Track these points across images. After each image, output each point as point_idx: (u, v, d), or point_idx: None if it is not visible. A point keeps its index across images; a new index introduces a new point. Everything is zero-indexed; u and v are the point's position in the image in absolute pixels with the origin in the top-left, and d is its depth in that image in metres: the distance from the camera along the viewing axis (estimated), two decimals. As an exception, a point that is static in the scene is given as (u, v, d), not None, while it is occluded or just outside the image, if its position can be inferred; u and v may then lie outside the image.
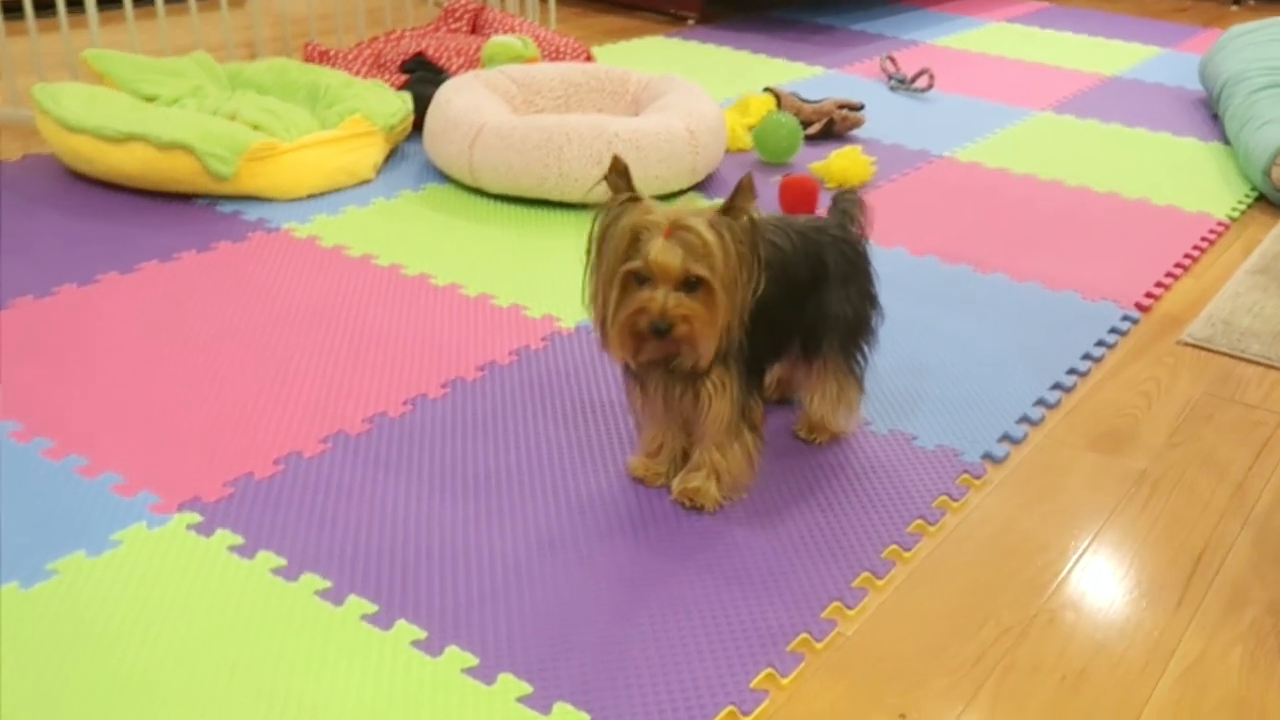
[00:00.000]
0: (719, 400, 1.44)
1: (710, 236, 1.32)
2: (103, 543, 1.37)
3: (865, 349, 1.63)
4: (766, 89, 2.93)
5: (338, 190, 2.39)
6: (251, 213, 2.29)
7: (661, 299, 1.33)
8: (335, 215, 2.30)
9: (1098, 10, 4.75)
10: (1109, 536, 1.53)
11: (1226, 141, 3.05)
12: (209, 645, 1.22)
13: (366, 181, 2.44)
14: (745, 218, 1.35)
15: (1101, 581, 1.44)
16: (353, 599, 1.30)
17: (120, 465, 1.51)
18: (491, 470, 1.56)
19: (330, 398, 1.70)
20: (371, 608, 1.29)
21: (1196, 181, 2.78)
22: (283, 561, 1.36)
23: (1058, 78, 3.64)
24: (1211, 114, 3.30)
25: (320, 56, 2.87)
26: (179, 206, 2.30)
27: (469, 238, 2.24)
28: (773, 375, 1.73)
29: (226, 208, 2.30)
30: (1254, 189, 2.74)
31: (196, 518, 1.42)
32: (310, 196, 2.35)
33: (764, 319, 1.47)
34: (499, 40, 2.82)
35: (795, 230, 1.56)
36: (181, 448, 1.56)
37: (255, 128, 2.34)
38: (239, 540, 1.39)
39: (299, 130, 2.37)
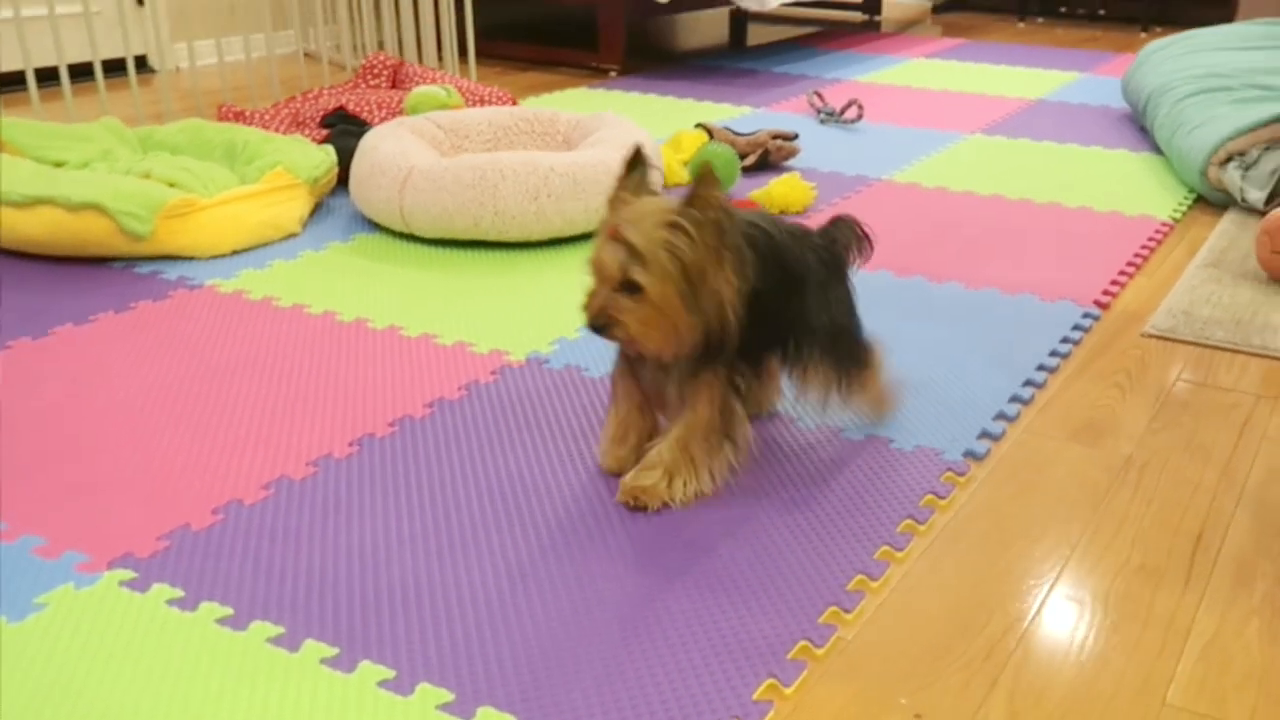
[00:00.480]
0: (704, 405, 1.37)
1: (642, 243, 1.26)
2: (26, 606, 1.23)
3: (854, 346, 1.57)
4: (698, 125, 2.89)
5: (263, 245, 2.29)
6: (171, 272, 2.17)
7: (599, 300, 1.30)
8: (261, 269, 2.19)
9: (1012, 44, 4.82)
10: (1105, 523, 1.46)
11: (1158, 151, 3.07)
12: (152, 701, 1.10)
13: (292, 235, 2.34)
14: (713, 208, 1.28)
15: (1104, 566, 1.37)
16: (310, 643, 1.18)
17: (41, 528, 1.38)
18: (450, 503, 1.45)
19: (270, 444, 1.58)
20: (331, 650, 1.17)
21: (1134, 188, 2.77)
22: (229, 611, 1.23)
23: (983, 104, 3.65)
24: (1139, 127, 3.32)
25: (235, 117, 2.77)
26: (93, 270, 2.17)
27: (404, 282, 2.14)
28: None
29: (144, 269, 2.18)
30: (1191, 191, 2.74)
31: (130, 574, 1.29)
32: (234, 253, 2.24)
33: (758, 309, 1.39)
34: (422, 90, 2.74)
35: (783, 227, 1.49)
36: (109, 506, 1.43)
37: (171, 185, 2.23)
38: (178, 593, 1.26)
39: (218, 186, 2.27)
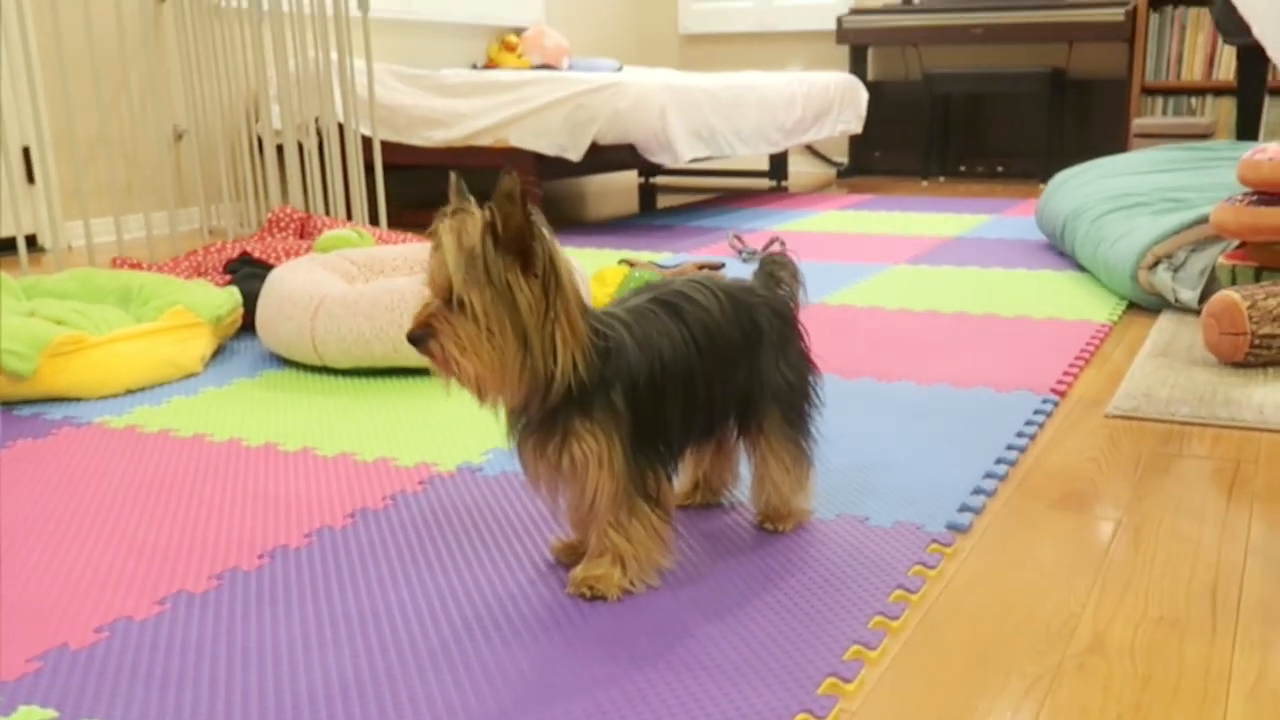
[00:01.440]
0: (596, 470, 1.22)
1: (452, 252, 1.14)
2: None
3: (809, 421, 1.43)
4: (622, 261, 2.81)
5: (160, 385, 2.11)
6: (55, 412, 1.97)
7: (426, 310, 1.18)
8: (158, 406, 2.00)
9: (919, 198, 4.90)
10: (1112, 581, 1.31)
11: (1081, 270, 3.06)
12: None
13: (193, 375, 2.16)
14: (477, 220, 1.14)
15: (1121, 620, 1.22)
16: (211, 754, 0.98)
17: (-113, 660, 1.16)
18: (379, 604, 1.26)
19: (166, 561, 1.38)
20: (237, 760, 0.97)
21: (1067, 299, 2.73)
22: (111, 728, 1.03)
23: (903, 242, 3.65)
24: (1058, 252, 3.33)
25: (131, 267, 2.61)
26: (-34, 417, 1.97)
27: (317, 409, 1.97)
28: (693, 473, 1.51)
29: (25, 411, 1.98)
30: (1123, 299, 2.71)
31: (-8, 698, 1.08)
32: (127, 393, 2.06)
33: (678, 387, 1.28)
34: (332, 234, 2.63)
35: (722, 291, 1.36)
36: (-29, 633, 1.22)
37: (59, 324, 2.05)
38: (50, 714, 1.05)
39: (109, 326, 2.09)
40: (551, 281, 1.16)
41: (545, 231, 1.15)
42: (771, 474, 1.41)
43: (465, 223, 1.15)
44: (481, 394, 1.19)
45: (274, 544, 1.42)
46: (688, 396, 1.30)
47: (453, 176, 1.20)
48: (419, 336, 1.17)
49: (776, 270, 1.48)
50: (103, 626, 1.22)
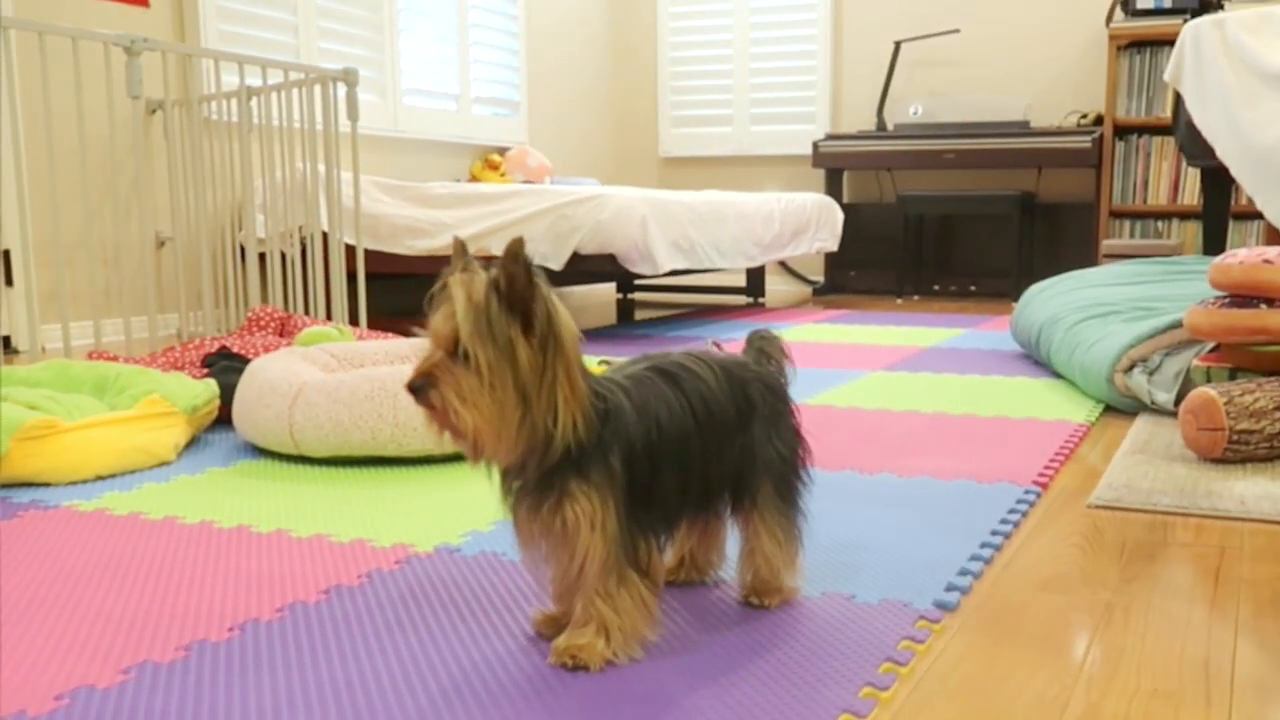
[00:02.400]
0: (588, 533, 1.20)
1: (461, 305, 1.15)
2: None
3: (800, 496, 1.42)
4: (602, 361, 2.81)
5: (131, 472, 2.07)
6: (23, 495, 1.94)
7: (428, 361, 1.17)
8: (129, 491, 1.96)
9: (893, 313, 4.96)
10: (1103, 656, 1.29)
11: (1057, 377, 3.08)
12: None
13: (166, 463, 2.13)
14: (484, 278, 1.16)
15: (1115, 693, 1.19)
16: (173, 813, 0.93)
17: None
18: (352, 677, 1.22)
19: (132, 633, 1.34)
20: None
21: (1044, 402, 2.74)
22: (69, 789, 0.98)
23: (880, 350, 3.68)
24: (1033, 361, 3.35)
25: (108, 360, 2.59)
26: (-66, 500, 1.92)
27: (292, 494, 1.94)
28: (680, 549, 1.49)
29: (-9, 495, 1.95)
30: (1099, 402, 2.73)
31: (-57, 761, 1.03)
32: (98, 479, 2.02)
33: (674, 454, 1.27)
34: (313, 330, 2.62)
35: (717, 364, 1.37)
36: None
37: (31, 409, 2.02)
38: (5, 776, 1.01)
39: (83, 413, 2.07)
40: (551, 342, 1.17)
41: (548, 293, 1.16)
42: (763, 547, 1.39)
43: (474, 279, 1.16)
44: (478, 449, 1.18)
45: (244, 617, 1.38)
46: (683, 465, 1.29)
47: (456, 239, 1.22)
48: (419, 386, 1.16)
49: (765, 346, 1.48)
50: (63, 694, 1.17)
